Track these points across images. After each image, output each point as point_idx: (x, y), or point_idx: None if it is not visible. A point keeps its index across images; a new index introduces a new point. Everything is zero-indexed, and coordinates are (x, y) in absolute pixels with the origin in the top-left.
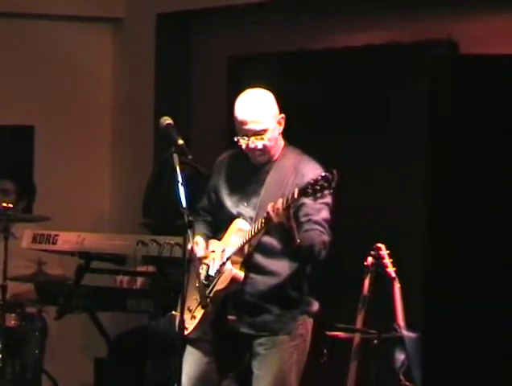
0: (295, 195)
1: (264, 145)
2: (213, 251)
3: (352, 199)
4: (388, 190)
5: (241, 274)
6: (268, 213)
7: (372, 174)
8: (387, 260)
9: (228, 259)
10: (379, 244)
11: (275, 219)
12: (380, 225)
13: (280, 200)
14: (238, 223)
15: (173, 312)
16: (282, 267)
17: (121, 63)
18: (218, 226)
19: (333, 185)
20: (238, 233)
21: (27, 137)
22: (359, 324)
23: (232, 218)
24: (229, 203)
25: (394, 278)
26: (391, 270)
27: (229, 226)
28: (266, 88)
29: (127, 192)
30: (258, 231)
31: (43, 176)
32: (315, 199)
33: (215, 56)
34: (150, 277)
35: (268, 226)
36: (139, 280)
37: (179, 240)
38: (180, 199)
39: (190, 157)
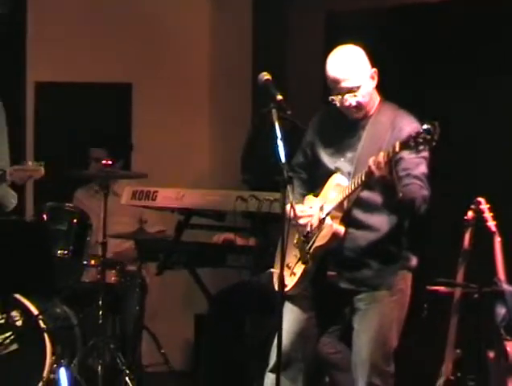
0: (397, 149)
1: (358, 102)
2: (311, 207)
3: (452, 152)
4: (489, 144)
5: (341, 229)
6: (370, 167)
7: (473, 128)
8: (488, 214)
9: (327, 214)
10: (479, 198)
11: (377, 173)
12: (480, 179)
13: (381, 154)
14: (336, 179)
15: (272, 269)
16: (381, 222)
17: (218, 21)
18: (314, 182)
19: (435, 138)
20: (337, 189)
21: (125, 94)
22: (460, 278)
23: (329, 173)
24: (326, 158)
25: (494, 232)
26: (492, 224)
27: (327, 181)
28: (363, 45)
29: (226, 148)
30: (358, 185)
31: (140, 134)
32: (417, 152)
33: (312, 12)
34: (249, 232)
35: (369, 180)
36: (238, 236)
37: (278, 195)
38: (279, 154)
39: (289, 112)
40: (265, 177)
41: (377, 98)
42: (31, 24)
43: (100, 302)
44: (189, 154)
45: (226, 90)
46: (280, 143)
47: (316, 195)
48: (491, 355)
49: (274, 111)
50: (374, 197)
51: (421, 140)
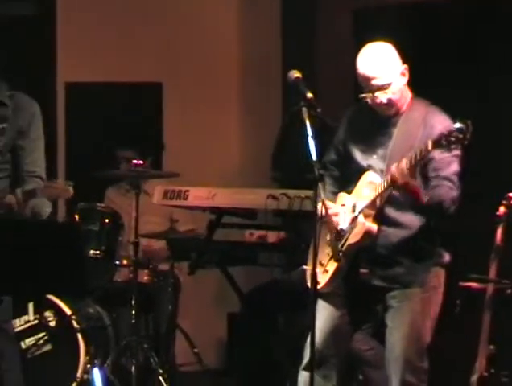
0: (429, 147)
1: (389, 99)
2: (343, 205)
3: (484, 148)
4: None
5: (374, 227)
6: (393, 174)
7: (503, 123)
8: None
9: (360, 212)
10: (511, 194)
11: (400, 180)
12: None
13: (404, 160)
14: (369, 176)
15: (304, 267)
16: (413, 219)
17: (247, 19)
18: (346, 179)
19: (468, 136)
20: (370, 186)
21: (156, 94)
22: (492, 274)
23: (361, 171)
24: (358, 155)
25: None
26: None
27: (359, 179)
28: (392, 41)
29: (256, 147)
30: (388, 187)
31: (171, 133)
32: (450, 150)
33: (341, 9)
34: (280, 230)
35: (393, 187)
36: (270, 234)
37: (310, 193)
38: (310, 152)
39: (319, 110)
40: (295, 175)
41: (408, 95)
42: (60, 25)
43: (133, 302)
44: (220, 153)
45: (256, 88)
46: (311, 141)
47: (349, 193)
48: None
49: (304, 109)
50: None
51: (453, 139)
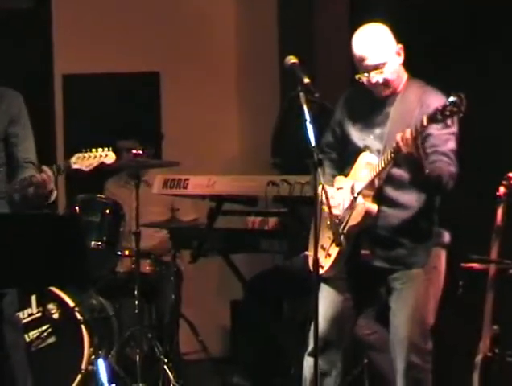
0: (424, 123)
1: (385, 79)
2: (340, 188)
3: (482, 127)
4: None
5: (374, 208)
6: (397, 143)
7: (503, 103)
8: None
9: (359, 193)
10: (511, 174)
11: (404, 149)
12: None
13: (408, 130)
14: (366, 157)
15: (306, 252)
16: (412, 199)
17: (244, 7)
18: (344, 161)
19: (462, 109)
20: (367, 167)
21: (153, 83)
22: (494, 255)
23: (358, 151)
24: (355, 135)
25: None
26: None
27: (356, 160)
28: (388, 22)
29: (256, 134)
30: (388, 162)
31: (169, 122)
32: (446, 126)
33: None
34: (281, 217)
35: (397, 157)
36: (271, 220)
37: (309, 178)
38: (309, 137)
39: (317, 95)
40: (295, 160)
41: (404, 75)
42: (56, 17)
43: (135, 292)
44: (219, 141)
45: (254, 75)
46: (309, 126)
47: (346, 175)
48: None
49: (301, 94)
50: (404, 175)
51: (448, 112)
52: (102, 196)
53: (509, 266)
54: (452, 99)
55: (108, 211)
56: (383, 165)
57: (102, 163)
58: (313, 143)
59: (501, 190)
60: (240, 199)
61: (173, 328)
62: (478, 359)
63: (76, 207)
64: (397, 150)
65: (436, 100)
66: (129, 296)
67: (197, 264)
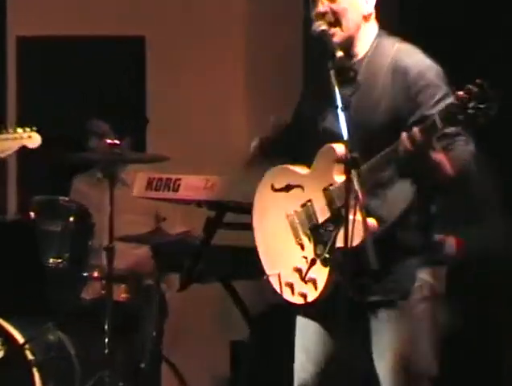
0: (439, 126)
1: (332, 10)
2: (299, 186)
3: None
4: None
5: (374, 222)
6: (402, 141)
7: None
8: None
9: (347, 206)
10: None
11: (413, 149)
12: None
13: (415, 129)
14: (334, 150)
15: (269, 273)
16: (391, 206)
17: None
18: (301, 148)
19: (495, 98)
20: (339, 167)
21: (136, 51)
22: None
23: (321, 136)
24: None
25: None
26: None
27: (318, 147)
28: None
29: (266, 124)
30: (379, 167)
31: (157, 104)
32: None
33: None
34: None
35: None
36: None
37: (340, 183)
38: (339, 128)
39: (352, 74)
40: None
41: (374, 31)
42: None
43: (105, 326)
44: (219, 131)
45: (269, 49)
46: (341, 114)
47: (307, 165)
48: None
49: (332, 72)
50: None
51: (471, 110)
52: (66, 199)
53: None
54: (470, 87)
55: (72, 219)
56: (371, 167)
57: (23, 147)
58: (345, 136)
59: None
60: (247, 207)
61: (152, 375)
62: None
63: (31, 213)
64: (405, 152)
65: (416, 61)
66: (96, 331)
67: (188, 293)
